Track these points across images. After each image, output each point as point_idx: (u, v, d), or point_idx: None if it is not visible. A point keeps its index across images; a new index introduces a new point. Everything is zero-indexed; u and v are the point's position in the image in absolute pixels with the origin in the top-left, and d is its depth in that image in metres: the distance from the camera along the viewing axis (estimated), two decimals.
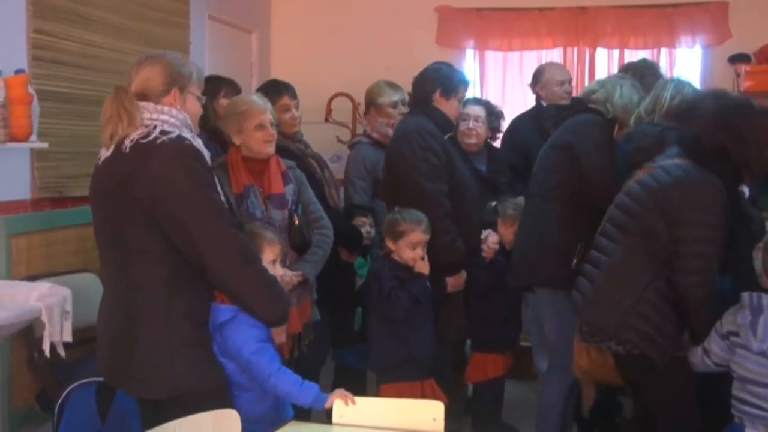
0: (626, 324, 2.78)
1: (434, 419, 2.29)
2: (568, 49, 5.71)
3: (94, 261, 3.47)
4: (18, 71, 3.37)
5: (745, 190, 3.28)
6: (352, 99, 5.64)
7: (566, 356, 3.38)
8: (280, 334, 2.96)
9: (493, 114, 4.27)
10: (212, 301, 2.46)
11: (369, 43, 5.76)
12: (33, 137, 3.45)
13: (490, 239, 3.78)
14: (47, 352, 2.88)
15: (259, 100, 3.25)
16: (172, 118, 2.39)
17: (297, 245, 3.23)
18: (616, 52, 5.67)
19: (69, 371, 3.28)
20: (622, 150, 3.36)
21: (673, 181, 2.78)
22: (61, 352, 2.93)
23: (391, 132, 4.05)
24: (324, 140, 5.13)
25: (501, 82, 5.89)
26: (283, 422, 2.42)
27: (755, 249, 2.74)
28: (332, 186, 3.84)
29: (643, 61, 4.30)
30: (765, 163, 2.82)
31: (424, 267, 3.34)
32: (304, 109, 3.93)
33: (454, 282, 3.59)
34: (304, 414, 2.76)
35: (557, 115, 3.69)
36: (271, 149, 3.19)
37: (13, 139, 3.34)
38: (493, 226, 3.83)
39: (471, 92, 4.57)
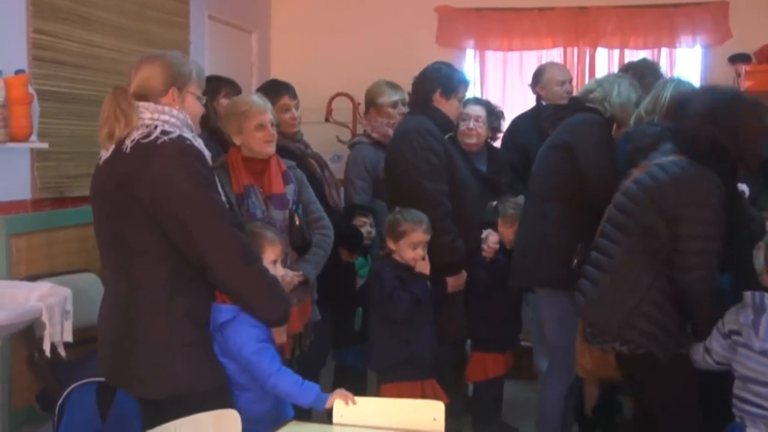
0: (630, 324, 2.78)
1: (434, 419, 2.28)
2: (569, 49, 5.71)
3: (95, 261, 3.47)
4: (18, 71, 3.37)
5: (746, 190, 3.29)
6: (352, 99, 5.64)
7: (566, 356, 3.38)
8: (280, 335, 2.96)
9: (494, 114, 4.27)
10: (213, 301, 2.46)
11: (369, 43, 5.76)
12: (33, 137, 3.45)
13: (491, 239, 3.78)
14: (48, 352, 2.88)
15: (260, 101, 3.25)
16: (172, 118, 2.39)
17: (298, 245, 3.23)
18: (616, 52, 5.68)
19: (69, 371, 3.28)
20: (622, 150, 3.36)
21: (669, 178, 2.78)
22: (62, 352, 2.93)
23: (391, 132, 4.05)
24: (324, 140, 5.13)
25: (501, 82, 5.90)
26: (283, 422, 2.42)
27: (756, 248, 2.74)
28: (332, 186, 3.84)
29: (644, 61, 4.30)
30: (758, 154, 2.82)
31: (424, 267, 3.34)
32: (305, 109, 3.93)
33: (455, 282, 3.59)
34: (304, 414, 2.76)
35: (555, 114, 3.69)
36: (271, 149, 3.19)
37: (13, 139, 3.34)
38: (494, 226, 3.83)
39: (471, 92, 4.57)
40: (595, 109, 3.42)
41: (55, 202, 3.77)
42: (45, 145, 3.55)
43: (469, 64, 5.90)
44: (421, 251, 3.33)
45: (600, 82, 3.53)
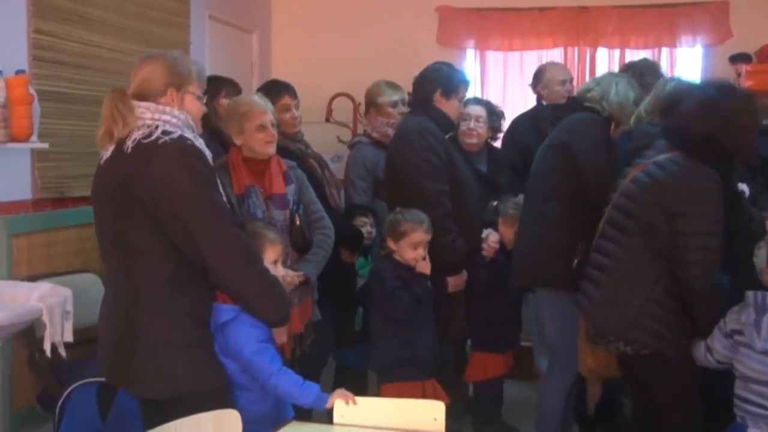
0: (637, 324, 2.78)
1: (435, 419, 2.28)
2: (569, 49, 5.71)
3: (95, 261, 3.48)
4: (18, 72, 3.37)
5: (746, 190, 3.29)
6: (352, 99, 5.64)
7: (566, 356, 3.38)
8: (281, 335, 2.96)
9: (494, 114, 4.26)
10: (214, 301, 2.46)
11: (370, 43, 5.76)
12: (33, 137, 3.45)
13: (491, 238, 3.78)
14: (48, 353, 2.89)
15: (260, 101, 3.24)
16: (173, 118, 2.39)
17: (298, 245, 3.23)
18: (617, 52, 5.67)
19: (70, 371, 3.28)
20: (621, 149, 3.35)
21: (667, 176, 2.78)
22: (62, 352, 2.93)
23: (391, 132, 4.05)
24: (325, 140, 5.13)
25: (501, 82, 5.90)
26: (283, 422, 2.42)
27: (757, 247, 2.75)
28: (333, 186, 3.84)
29: (644, 60, 4.29)
30: (753, 146, 2.83)
31: (425, 267, 3.34)
32: (305, 109, 3.93)
33: (455, 282, 3.59)
34: (305, 414, 2.76)
35: (553, 114, 3.69)
36: (272, 150, 3.19)
37: (13, 139, 3.34)
38: (494, 226, 3.83)
39: (471, 92, 4.57)
40: (593, 109, 3.41)
41: (55, 202, 3.77)
42: (45, 146, 3.56)
43: (469, 64, 5.90)
44: (421, 251, 3.33)
45: (598, 81, 3.52)
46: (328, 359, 3.93)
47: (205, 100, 2.57)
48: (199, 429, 2.02)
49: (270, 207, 3.14)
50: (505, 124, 4.53)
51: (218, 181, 2.44)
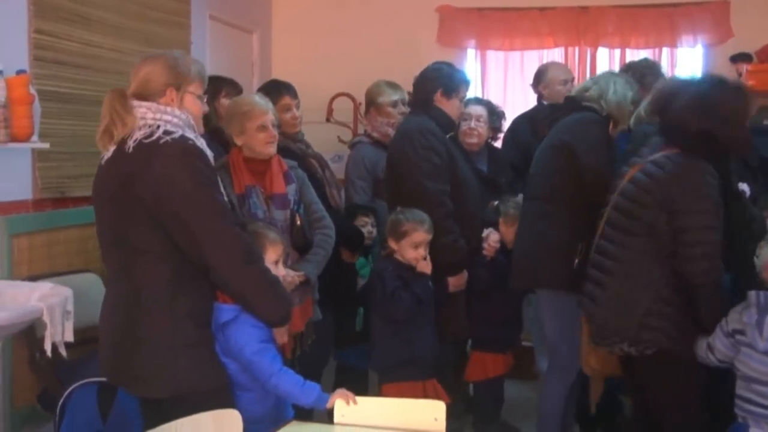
0: (645, 325, 2.77)
1: (436, 419, 2.28)
2: (570, 49, 5.71)
3: (96, 261, 3.48)
4: (19, 72, 3.37)
5: (746, 190, 3.28)
6: (353, 99, 5.64)
7: (567, 356, 3.38)
8: (282, 335, 2.96)
9: (495, 114, 4.27)
10: (215, 301, 2.46)
11: (370, 43, 5.76)
12: (34, 137, 3.45)
13: (491, 237, 3.78)
14: (49, 352, 2.89)
15: (261, 101, 3.24)
16: (175, 118, 2.39)
17: (299, 245, 3.23)
18: (617, 52, 5.67)
19: (70, 371, 3.28)
20: (622, 149, 3.35)
21: (665, 173, 2.78)
22: (63, 352, 2.93)
23: (391, 131, 4.05)
24: (325, 140, 5.13)
25: (502, 82, 5.89)
26: (284, 422, 2.42)
27: (759, 246, 2.75)
28: (333, 186, 3.84)
29: (645, 60, 4.29)
30: (747, 137, 2.84)
31: (426, 267, 3.34)
32: (305, 109, 3.93)
33: (456, 282, 3.59)
34: (306, 414, 2.76)
35: (551, 114, 3.68)
36: (272, 150, 3.19)
37: (14, 139, 3.34)
38: (495, 226, 3.83)
39: (472, 92, 4.57)
40: (592, 108, 3.40)
41: (56, 202, 3.77)
42: (46, 146, 3.55)
43: (470, 63, 5.90)
44: (422, 251, 3.33)
45: (596, 80, 3.51)
46: (329, 359, 3.93)
47: (205, 100, 2.57)
48: (199, 429, 2.02)
49: (271, 207, 3.14)
50: (506, 124, 4.54)
51: (219, 181, 2.44)
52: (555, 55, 5.72)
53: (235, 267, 2.36)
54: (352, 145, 4.45)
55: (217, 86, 3.80)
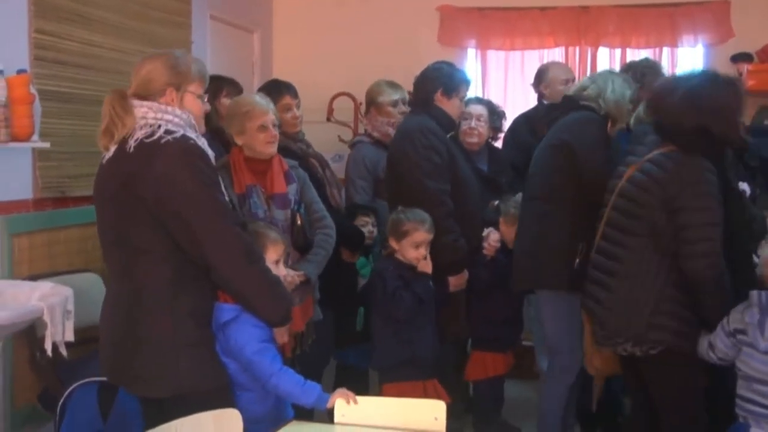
0: (652, 324, 2.77)
1: (436, 419, 2.28)
2: (570, 49, 5.70)
3: (96, 261, 3.49)
4: (20, 71, 3.37)
5: (746, 190, 3.28)
6: (353, 98, 5.64)
7: (567, 356, 3.38)
8: (282, 335, 2.96)
9: (495, 114, 4.27)
10: (216, 301, 2.46)
11: (371, 42, 5.76)
12: (35, 137, 3.45)
13: (492, 237, 3.78)
14: (49, 352, 2.89)
15: (262, 101, 3.24)
16: (176, 117, 2.39)
17: (299, 245, 3.23)
18: (618, 52, 5.66)
19: (71, 371, 3.28)
20: (622, 150, 3.35)
21: (663, 172, 2.78)
22: (63, 351, 2.93)
23: (391, 131, 4.05)
24: (326, 140, 5.13)
25: (503, 82, 5.89)
26: (284, 422, 2.41)
27: (759, 246, 2.75)
28: (334, 186, 3.84)
29: (645, 60, 4.29)
30: (738, 132, 2.85)
31: (427, 266, 3.34)
32: (306, 109, 3.93)
33: (457, 281, 3.59)
34: (306, 413, 2.76)
35: (549, 114, 3.68)
36: (273, 150, 3.19)
37: (15, 139, 3.34)
38: (495, 225, 3.83)
39: (473, 92, 4.57)
40: (590, 107, 3.40)
41: (56, 201, 3.77)
42: (46, 145, 3.55)
43: (470, 63, 5.89)
44: (423, 251, 3.33)
45: (593, 79, 3.50)
46: (329, 359, 3.93)
47: (206, 99, 2.57)
48: (199, 428, 2.02)
49: (271, 207, 3.14)
50: (506, 124, 4.53)
51: (220, 181, 2.44)
52: (555, 54, 5.71)
53: (236, 267, 2.36)
54: (353, 145, 4.45)
55: (218, 86, 3.80)
